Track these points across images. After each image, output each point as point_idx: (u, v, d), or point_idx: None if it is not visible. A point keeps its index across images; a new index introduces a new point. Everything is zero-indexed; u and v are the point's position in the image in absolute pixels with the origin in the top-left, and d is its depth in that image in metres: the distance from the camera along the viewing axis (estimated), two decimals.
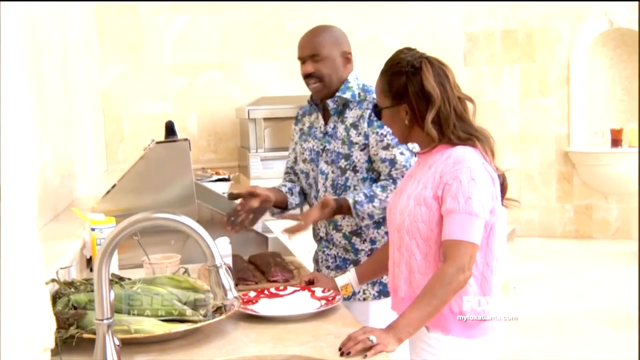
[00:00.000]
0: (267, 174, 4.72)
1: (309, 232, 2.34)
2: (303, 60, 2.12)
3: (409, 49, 1.67)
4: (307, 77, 2.11)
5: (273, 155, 4.78)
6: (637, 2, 5.87)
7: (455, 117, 1.59)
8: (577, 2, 6.12)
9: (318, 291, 1.81)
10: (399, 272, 1.64)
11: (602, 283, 4.91)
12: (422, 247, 1.58)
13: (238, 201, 2.11)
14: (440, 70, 1.62)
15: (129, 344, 1.40)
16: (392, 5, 5.74)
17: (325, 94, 2.13)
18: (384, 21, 5.73)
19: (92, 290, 1.46)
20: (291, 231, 2.01)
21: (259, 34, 5.52)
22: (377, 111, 1.72)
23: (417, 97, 1.60)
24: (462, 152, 1.57)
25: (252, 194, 2.08)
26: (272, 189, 2.19)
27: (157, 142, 2.35)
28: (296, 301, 1.76)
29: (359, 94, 2.12)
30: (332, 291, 1.80)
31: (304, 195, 2.28)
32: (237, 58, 5.51)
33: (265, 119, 4.88)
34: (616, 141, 6.06)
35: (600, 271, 5.23)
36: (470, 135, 1.60)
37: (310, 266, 2.31)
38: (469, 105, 1.65)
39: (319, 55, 2.08)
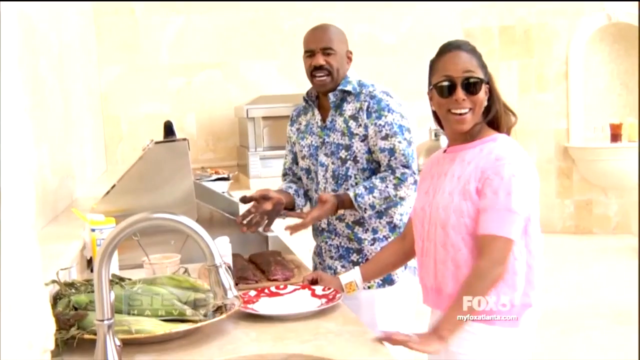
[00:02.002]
0: (267, 172, 4.73)
1: (309, 230, 2.36)
2: (312, 52, 2.15)
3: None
4: (316, 69, 2.14)
5: (272, 154, 4.78)
6: (636, 2, 5.85)
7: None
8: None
9: (318, 289, 1.81)
10: (445, 268, 1.62)
11: (602, 278, 4.91)
12: (469, 241, 1.58)
13: (250, 204, 2.13)
14: None
15: (129, 344, 1.40)
16: (389, 2, 5.73)
17: (329, 88, 2.17)
18: (381, 19, 5.73)
19: (93, 291, 1.46)
20: (293, 228, 2.07)
21: (256, 33, 5.52)
22: (475, 82, 1.62)
23: (491, 80, 1.67)
24: (504, 149, 1.59)
25: (264, 197, 2.10)
26: (281, 192, 2.23)
27: (156, 143, 2.35)
28: (297, 300, 1.76)
29: (356, 87, 2.18)
30: (332, 289, 1.79)
31: (308, 196, 2.32)
32: (235, 57, 5.51)
33: (264, 118, 4.88)
34: (615, 136, 6.06)
35: (601, 266, 5.23)
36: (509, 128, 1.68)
37: (310, 265, 2.31)
38: None
39: (331, 49, 2.14)
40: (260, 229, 2.15)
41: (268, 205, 2.09)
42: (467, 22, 6.20)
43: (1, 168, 0.64)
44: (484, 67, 1.66)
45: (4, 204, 0.63)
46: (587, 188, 6.25)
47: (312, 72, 2.15)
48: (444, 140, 5.07)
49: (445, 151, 1.73)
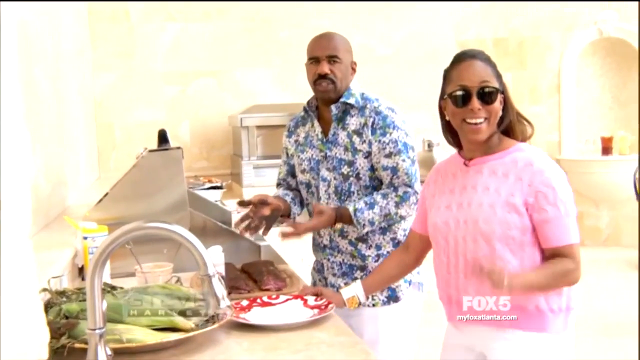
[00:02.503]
0: (260, 181, 4.73)
1: (303, 241, 2.36)
2: (317, 60, 2.09)
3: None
4: (321, 77, 2.08)
5: (266, 163, 4.78)
6: (636, 3, 5.89)
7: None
8: (568, 10, 6.18)
9: (311, 300, 1.81)
10: None
11: (593, 290, 4.92)
12: (518, 252, 1.59)
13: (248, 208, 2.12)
14: None
15: (121, 353, 1.39)
16: (384, 13, 5.77)
17: (331, 98, 2.12)
18: (376, 29, 5.75)
19: (84, 300, 1.45)
20: (285, 235, 2.04)
21: (251, 41, 5.54)
22: (490, 91, 1.61)
23: (505, 87, 1.66)
24: (540, 159, 1.63)
25: (262, 202, 2.08)
26: (278, 198, 2.19)
27: (150, 151, 2.35)
28: (289, 310, 1.76)
29: (359, 101, 2.13)
30: (324, 300, 1.79)
31: (303, 205, 2.29)
32: (230, 66, 5.52)
33: (258, 127, 4.89)
34: (606, 149, 6.10)
35: (591, 278, 5.23)
36: (526, 133, 1.71)
37: (302, 274, 2.30)
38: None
39: (337, 57, 2.09)
40: (260, 233, 2.13)
41: (266, 211, 2.07)
42: (462, 35, 6.23)
43: None
44: (499, 76, 1.65)
45: (1, 214, 0.64)
46: (579, 200, 6.21)
47: (316, 80, 2.09)
48: (437, 152, 5.10)
49: (465, 164, 1.69)
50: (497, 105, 1.62)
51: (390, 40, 5.79)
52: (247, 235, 2.13)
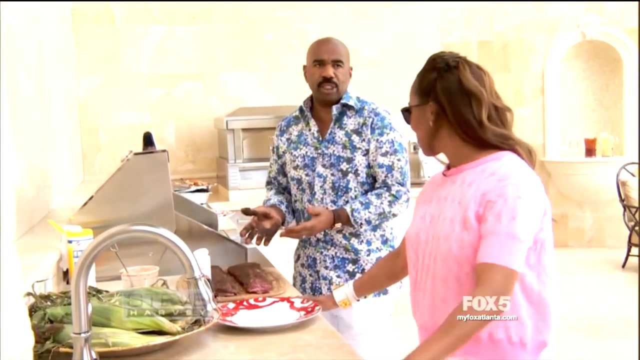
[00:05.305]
0: (246, 184, 4.73)
1: (289, 243, 2.38)
2: (323, 63, 2.19)
3: (450, 52, 1.60)
4: (325, 80, 2.19)
5: (251, 165, 4.78)
6: (636, 3, 5.94)
7: (487, 122, 1.50)
8: (551, 14, 6.24)
9: (297, 302, 1.81)
10: (445, 306, 1.42)
11: (577, 291, 4.97)
12: (473, 275, 1.39)
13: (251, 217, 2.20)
14: (477, 72, 1.57)
15: (106, 357, 1.39)
16: (370, 16, 5.79)
17: (332, 100, 2.23)
18: (361, 32, 5.77)
19: (69, 304, 1.44)
20: (284, 233, 2.19)
21: (237, 44, 5.53)
22: (406, 113, 1.59)
23: (448, 94, 1.49)
24: (508, 168, 1.43)
25: (266, 216, 2.17)
26: (277, 210, 2.26)
27: (136, 154, 2.33)
28: (275, 312, 1.76)
29: (357, 103, 2.25)
30: (311, 302, 1.80)
31: (295, 213, 2.35)
32: (215, 69, 5.51)
33: (243, 130, 4.88)
34: (590, 151, 6.17)
35: (575, 279, 5.29)
36: (506, 140, 1.50)
37: (289, 277, 2.31)
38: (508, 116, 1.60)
39: (341, 62, 2.22)
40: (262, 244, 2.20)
41: (267, 224, 2.17)
42: (447, 37, 6.27)
43: None
44: (425, 85, 1.54)
45: None
46: (563, 202, 6.34)
47: (321, 82, 2.19)
48: (422, 154, 5.11)
49: (444, 174, 1.57)
50: (414, 122, 1.55)
51: (375, 43, 5.81)
52: (251, 243, 2.21)
